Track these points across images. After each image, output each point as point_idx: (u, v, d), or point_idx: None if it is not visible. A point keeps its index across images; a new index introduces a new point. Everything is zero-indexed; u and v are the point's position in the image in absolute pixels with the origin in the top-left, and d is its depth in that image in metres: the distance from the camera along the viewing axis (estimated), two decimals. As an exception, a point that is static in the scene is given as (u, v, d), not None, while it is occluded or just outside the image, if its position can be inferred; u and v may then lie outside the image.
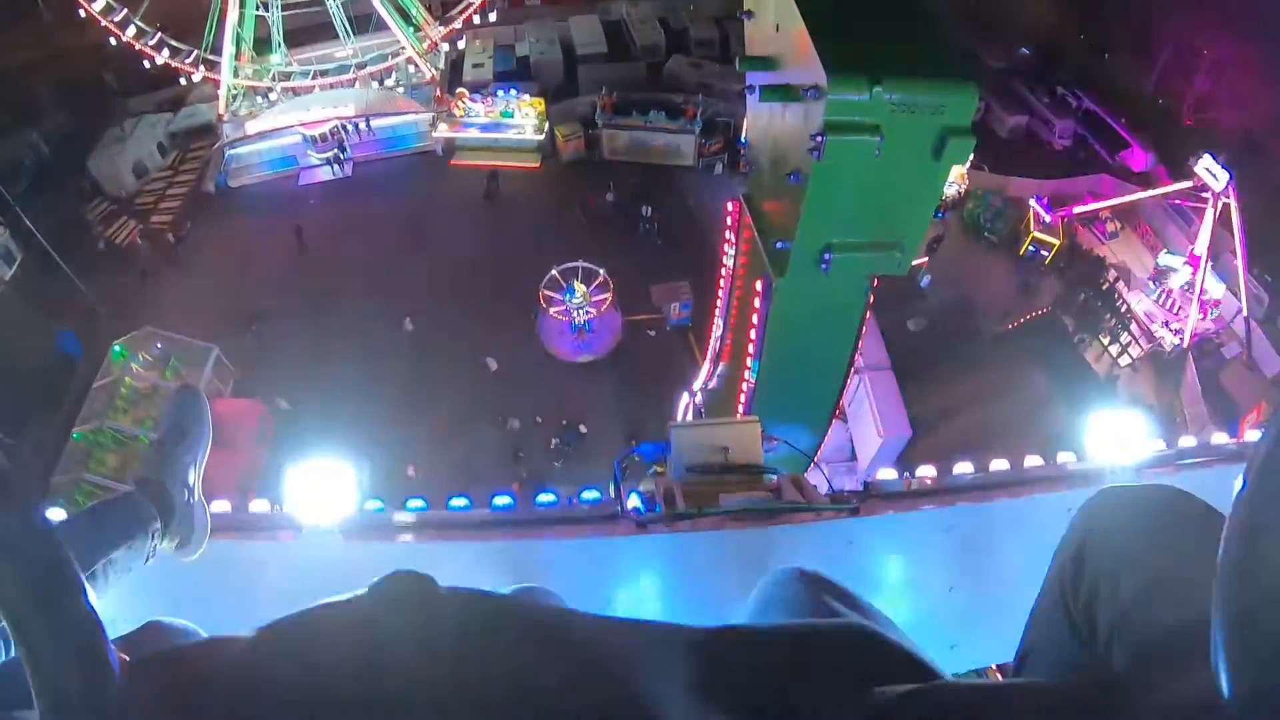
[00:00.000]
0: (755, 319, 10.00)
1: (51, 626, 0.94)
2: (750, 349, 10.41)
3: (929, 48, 7.78)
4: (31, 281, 32.35)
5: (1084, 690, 1.33)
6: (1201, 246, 32.03)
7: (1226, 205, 30.50)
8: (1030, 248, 34.60)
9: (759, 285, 9.57)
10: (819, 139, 7.03)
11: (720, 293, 11.87)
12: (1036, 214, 34.66)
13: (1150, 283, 34.15)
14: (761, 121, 9.23)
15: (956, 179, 35.12)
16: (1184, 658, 1.03)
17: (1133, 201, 35.36)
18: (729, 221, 10.51)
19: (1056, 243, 34.27)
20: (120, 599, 2.56)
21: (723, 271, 11.41)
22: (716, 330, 12.46)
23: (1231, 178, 30.40)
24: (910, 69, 7.26)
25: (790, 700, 1.00)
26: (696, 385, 14.45)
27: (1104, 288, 33.54)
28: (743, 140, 34.80)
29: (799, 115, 7.81)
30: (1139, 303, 32.81)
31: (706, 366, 13.69)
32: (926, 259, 32.31)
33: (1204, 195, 31.33)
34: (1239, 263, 30.39)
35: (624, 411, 27.93)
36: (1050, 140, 41.53)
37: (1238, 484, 0.86)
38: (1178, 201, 34.01)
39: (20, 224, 32.69)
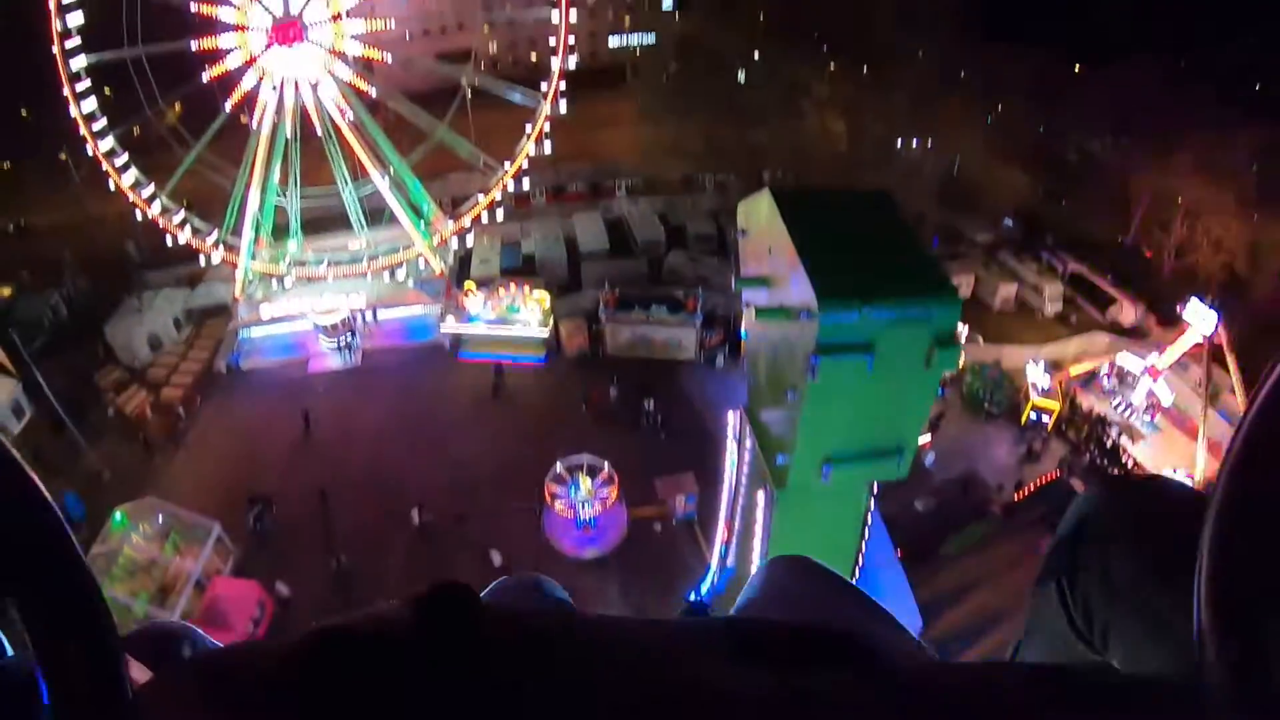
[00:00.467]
0: (758, 527, 9.89)
1: (74, 645, 0.91)
2: (754, 556, 10.25)
3: (912, 263, 8.10)
4: (38, 439, 32.47)
5: (1076, 671, 1.33)
6: (1167, 362, 32.80)
7: (1218, 345, 30.84)
8: (1032, 415, 34.69)
9: (761, 495, 9.54)
10: (813, 360, 7.21)
11: (724, 498, 11.80)
12: (1034, 382, 34.97)
13: (1106, 380, 34.72)
14: (758, 337, 9.49)
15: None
16: (1169, 639, 1.03)
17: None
18: (731, 431, 10.58)
19: (1056, 407, 34.44)
20: None
21: (726, 479, 11.38)
22: (720, 536, 12.29)
23: (1220, 317, 30.87)
24: (897, 287, 7.53)
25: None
26: (704, 588, 14.12)
27: (1109, 445, 33.43)
28: (743, 334, 35.77)
29: (794, 333, 8.02)
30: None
31: (713, 570, 13.40)
32: (930, 438, 32.29)
33: (1197, 340, 31.86)
34: (1237, 400, 30.38)
35: (631, 610, 27.09)
36: (1040, 306, 42.41)
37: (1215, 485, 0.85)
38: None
39: (33, 381, 33.25)
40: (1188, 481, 30.05)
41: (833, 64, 47.25)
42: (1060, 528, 1.55)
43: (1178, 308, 33.04)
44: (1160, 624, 1.22)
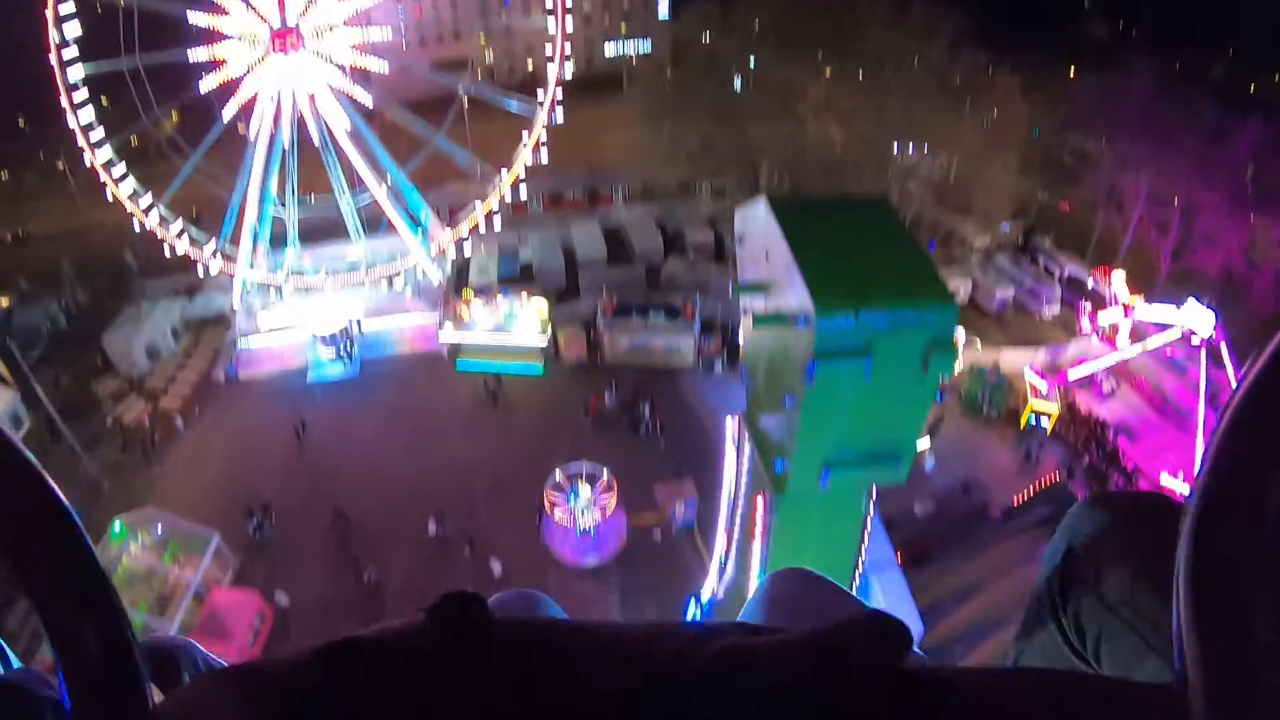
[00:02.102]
0: (758, 531, 9.89)
1: (96, 653, 0.93)
2: (754, 561, 10.24)
3: (909, 268, 8.12)
4: (36, 449, 31.26)
5: (1071, 679, 1.32)
6: (1142, 309, 34.11)
7: (1216, 346, 30.95)
8: (1031, 418, 34.71)
9: (760, 501, 9.54)
10: (810, 366, 7.23)
11: (723, 505, 11.79)
12: (1033, 385, 35.02)
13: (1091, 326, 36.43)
14: (756, 343, 9.51)
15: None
16: (1159, 651, 1.09)
17: (1125, 358, 35.98)
18: (730, 437, 10.59)
19: (1055, 410, 34.45)
20: None
21: (725, 485, 11.38)
22: (720, 543, 12.28)
23: (1217, 316, 30.95)
24: (893, 292, 7.56)
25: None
26: (704, 595, 14.09)
27: (1108, 448, 33.45)
28: (742, 339, 35.73)
29: (791, 338, 8.04)
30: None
31: (712, 577, 13.39)
32: (929, 442, 32.30)
33: (1193, 342, 31.98)
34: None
35: (631, 618, 27.06)
36: (1038, 310, 42.53)
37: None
38: (1170, 353, 34.64)
39: (30, 390, 33.28)
40: (1185, 485, 30.22)
41: (828, 69, 47.28)
42: (1052, 542, 1.59)
43: (1175, 307, 33.23)
44: (1150, 637, 1.28)
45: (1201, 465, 0.86)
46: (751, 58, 48.04)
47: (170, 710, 1.02)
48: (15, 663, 1.23)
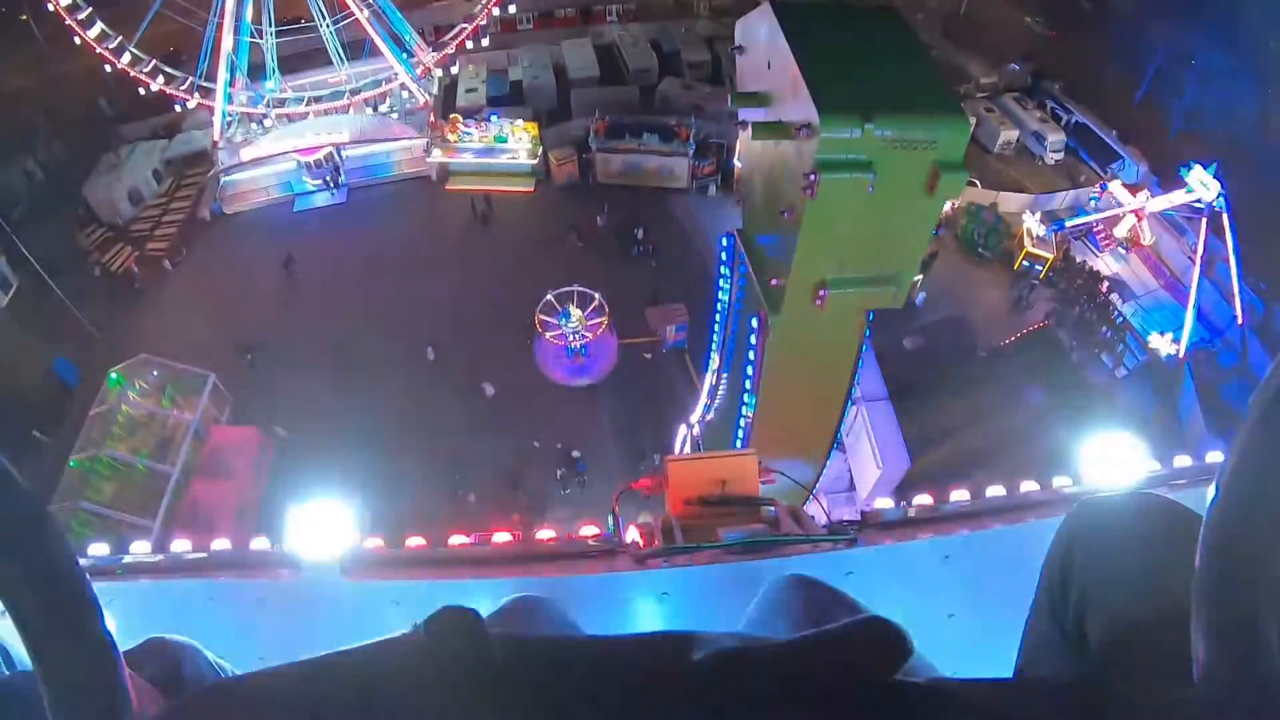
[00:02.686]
0: (751, 354, 9.94)
1: (70, 650, 0.95)
2: (747, 384, 10.34)
3: (919, 82, 7.78)
4: (27, 308, 32.37)
5: (1079, 688, 1.37)
6: (1155, 207, 33.65)
7: (1219, 214, 30.65)
8: (1024, 263, 34.65)
9: (754, 321, 9.53)
10: (812, 177, 7.01)
11: (715, 326, 11.81)
12: (1029, 229, 34.76)
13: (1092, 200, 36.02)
14: (754, 156, 9.22)
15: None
16: (1167, 658, 1.07)
17: (1124, 212, 35.50)
18: (724, 255, 10.46)
19: (1050, 257, 34.40)
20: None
21: (718, 305, 11.35)
22: (712, 364, 12.39)
23: (1224, 187, 30.55)
24: (902, 105, 7.25)
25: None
26: (694, 418, 14.35)
27: (1099, 300, 33.63)
28: (737, 161, 35.09)
29: (791, 151, 7.78)
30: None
31: (703, 399, 13.59)
32: (921, 276, 32.31)
33: (1196, 205, 31.52)
34: (1233, 271, 30.47)
35: (622, 437, 27.82)
36: (1041, 154, 41.58)
37: (1210, 492, 0.88)
38: (1172, 212, 34.27)
39: (15, 251, 32.86)
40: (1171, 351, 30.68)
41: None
42: (1053, 544, 1.63)
43: (1182, 170, 32.59)
44: (1149, 637, 1.27)
45: (1223, 469, 0.85)
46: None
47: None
48: (19, 664, 1.27)
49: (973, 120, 40.56)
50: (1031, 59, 46.05)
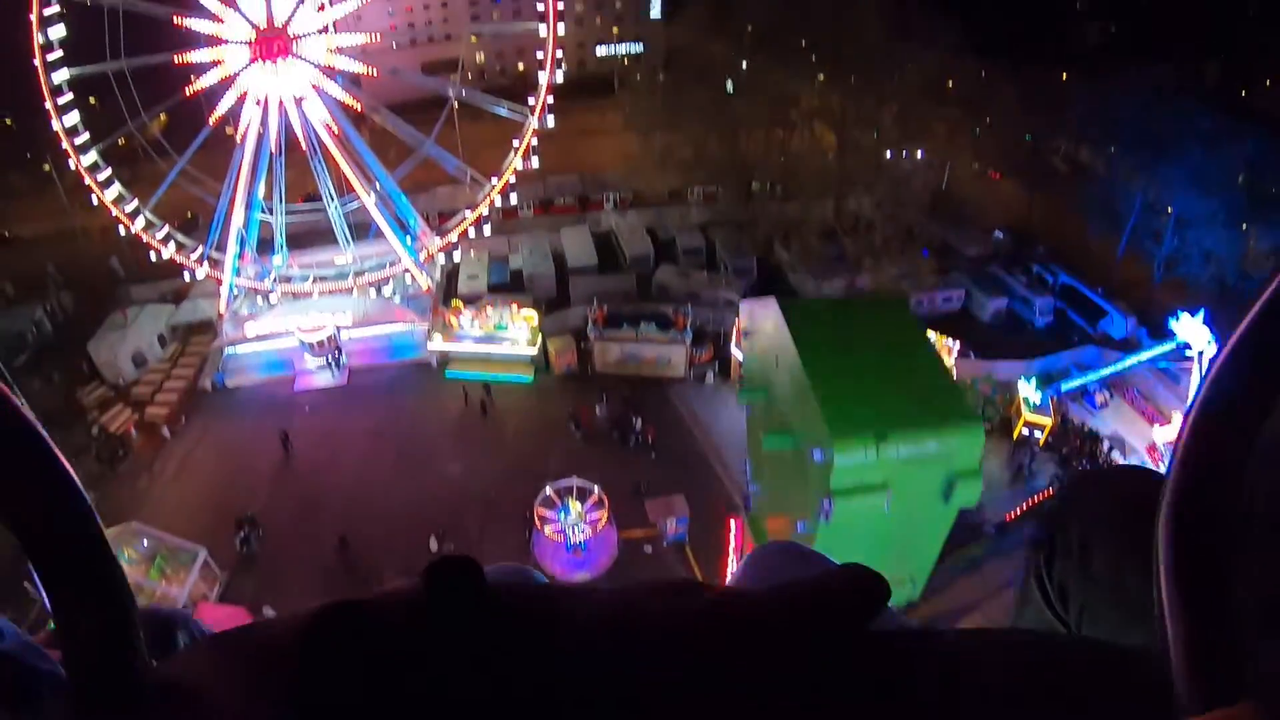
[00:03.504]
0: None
1: (91, 607, 0.96)
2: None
3: (929, 385, 7.79)
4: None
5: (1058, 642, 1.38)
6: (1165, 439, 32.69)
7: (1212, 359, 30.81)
8: (1024, 431, 34.59)
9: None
10: (826, 504, 6.91)
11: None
12: (1025, 397, 34.90)
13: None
14: (763, 454, 9.11)
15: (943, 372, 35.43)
16: (1143, 623, 1.03)
17: (1119, 370, 35.88)
18: (730, 540, 10.24)
19: (1049, 423, 34.36)
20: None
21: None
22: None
23: (1215, 334, 30.87)
24: (914, 419, 7.23)
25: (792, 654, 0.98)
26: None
27: (1100, 461, 33.38)
28: (734, 349, 35.58)
29: (805, 463, 7.69)
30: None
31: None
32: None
33: (1187, 354, 31.84)
34: None
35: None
36: (1031, 319, 42.31)
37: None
38: (1168, 362, 34.61)
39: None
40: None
41: (821, 75, 46.80)
42: (1041, 513, 1.68)
43: (1170, 322, 33.16)
44: (1134, 608, 1.28)
45: (1179, 438, 0.86)
46: (744, 62, 47.47)
47: (165, 678, 1.01)
48: (12, 637, 1.16)
49: (961, 293, 42.01)
50: (1014, 226, 47.61)
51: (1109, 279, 44.07)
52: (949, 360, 34.92)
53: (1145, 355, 35.67)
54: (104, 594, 0.96)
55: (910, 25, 42.84)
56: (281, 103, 35.79)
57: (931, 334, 34.37)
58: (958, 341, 35.90)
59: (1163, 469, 0.90)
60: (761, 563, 1.92)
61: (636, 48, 73.56)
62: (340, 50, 36.13)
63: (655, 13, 74.39)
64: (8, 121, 53.01)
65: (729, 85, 47.11)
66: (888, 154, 45.00)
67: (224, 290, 38.95)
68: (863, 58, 43.73)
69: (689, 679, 0.93)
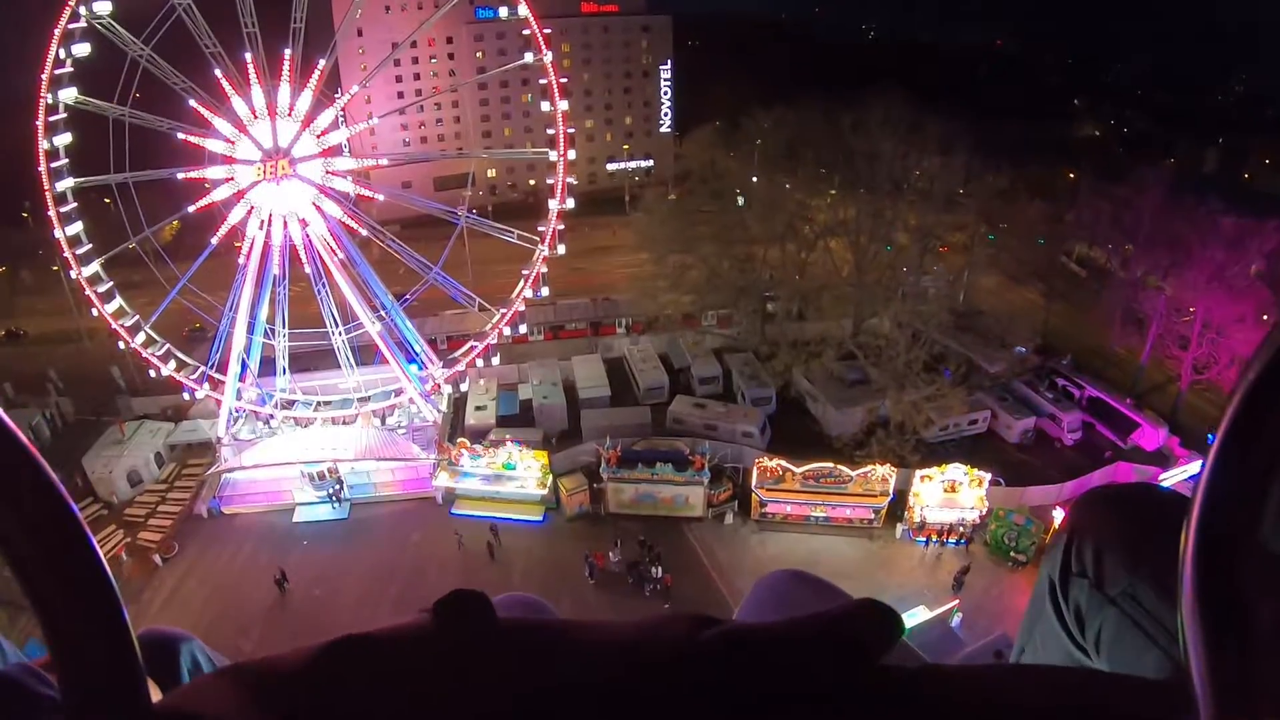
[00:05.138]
0: None
1: (90, 633, 0.93)
2: None
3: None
4: (2, 581, 30.18)
5: (1074, 676, 1.38)
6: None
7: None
8: (1061, 563, 32.76)
9: None
10: None
11: None
12: (1060, 522, 33.09)
13: None
14: None
15: (975, 503, 33.94)
16: (1157, 643, 1.14)
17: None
18: None
19: (1088, 550, 32.53)
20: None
21: None
22: None
23: None
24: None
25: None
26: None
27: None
28: (754, 488, 34.06)
29: None
30: None
31: None
32: (957, 599, 30.33)
33: None
34: None
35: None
36: (1060, 436, 40.80)
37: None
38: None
39: None
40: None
41: (833, 189, 46.46)
42: (1055, 534, 1.65)
43: (1208, 436, 31.55)
44: (1150, 629, 1.34)
45: (1205, 464, 0.87)
46: (754, 176, 47.20)
47: (172, 710, 1.02)
48: (13, 657, 1.19)
49: (987, 415, 40.57)
50: (1035, 338, 46.46)
51: (1135, 387, 43.08)
52: (980, 492, 33.73)
53: (1180, 475, 33.92)
54: (103, 624, 0.93)
55: (920, 135, 42.62)
56: (285, 224, 35.23)
57: (961, 468, 34.00)
58: (987, 473, 34.50)
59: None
60: (773, 590, 1.87)
61: (647, 163, 74.69)
62: (341, 172, 35.68)
63: (666, 128, 75.63)
64: (25, 215, 53.37)
65: (740, 199, 46.69)
66: (904, 269, 44.13)
67: (224, 413, 37.89)
68: (875, 170, 43.39)
69: (698, 702, 0.92)
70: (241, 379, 37.38)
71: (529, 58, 34.75)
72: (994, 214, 45.67)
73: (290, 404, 38.56)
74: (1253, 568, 0.80)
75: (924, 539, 34.50)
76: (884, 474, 34.18)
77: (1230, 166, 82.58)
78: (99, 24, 32.71)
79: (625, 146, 76.94)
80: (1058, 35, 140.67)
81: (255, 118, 34.11)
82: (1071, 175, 62.82)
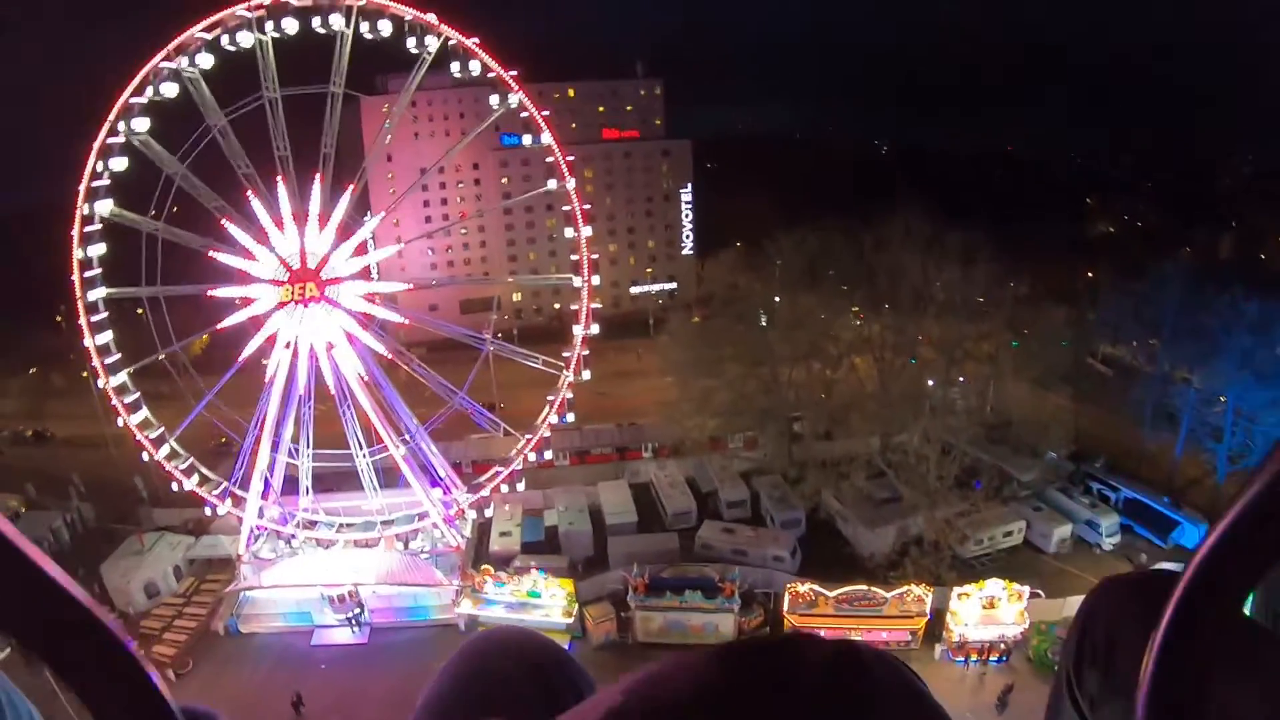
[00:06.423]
0: None
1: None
2: None
3: None
4: (15, 680, 29.71)
5: None
6: None
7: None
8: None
9: None
10: None
11: None
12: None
13: None
14: None
15: (1015, 618, 33.05)
16: None
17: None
18: None
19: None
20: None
21: None
22: None
23: None
24: None
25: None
26: None
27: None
28: (786, 613, 33.32)
29: None
30: None
31: None
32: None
33: None
34: None
35: None
36: (1098, 543, 40.07)
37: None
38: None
39: None
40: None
41: (855, 306, 46.87)
42: (1071, 624, 1.65)
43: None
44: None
45: (1193, 558, 0.93)
46: (777, 297, 47.76)
47: None
48: None
49: (1022, 525, 39.75)
50: (1067, 443, 45.81)
51: (1172, 483, 42.38)
52: (1020, 606, 32.83)
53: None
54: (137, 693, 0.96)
55: (939, 249, 42.98)
56: (312, 347, 35.71)
57: (999, 583, 33.21)
58: (1026, 586, 33.86)
59: None
60: None
61: (671, 286, 76.04)
62: (373, 297, 36.34)
63: (688, 250, 77.25)
64: (58, 319, 54.54)
65: (763, 319, 47.17)
66: (929, 382, 44.04)
67: (245, 530, 37.78)
68: (895, 284, 43.78)
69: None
70: (264, 497, 37.42)
71: (552, 185, 35.64)
72: (1017, 320, 45.81)
73: (312, 524, 38.53)
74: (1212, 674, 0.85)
75: (963, 659, 33.61)
76: (920, 594, 33.48)
77: (1247, 250, 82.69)
78: (137, 140, 34.00)
79: (648, 270, 78.38)
80: (1062, 135, 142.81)
81: (285, 238, 34.95)
82: (1090, 274, 63.19)
